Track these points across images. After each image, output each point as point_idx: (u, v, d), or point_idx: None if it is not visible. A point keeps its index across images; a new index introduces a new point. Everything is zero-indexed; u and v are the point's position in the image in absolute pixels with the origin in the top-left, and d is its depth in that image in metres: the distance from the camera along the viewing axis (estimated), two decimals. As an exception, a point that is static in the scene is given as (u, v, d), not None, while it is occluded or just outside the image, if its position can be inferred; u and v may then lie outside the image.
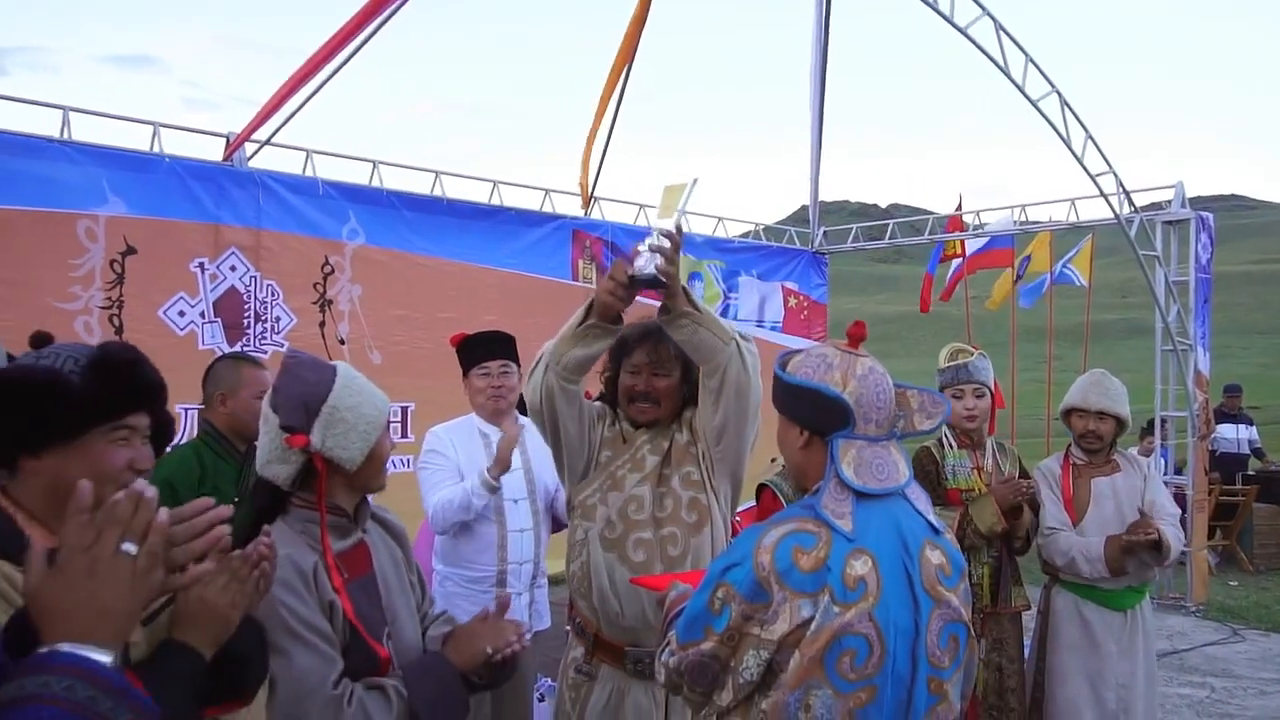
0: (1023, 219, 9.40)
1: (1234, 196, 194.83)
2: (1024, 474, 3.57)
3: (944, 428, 3.47)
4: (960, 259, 11.36)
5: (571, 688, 2.56)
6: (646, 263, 2.23)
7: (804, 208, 9.87)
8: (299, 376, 1.88)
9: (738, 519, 5.03)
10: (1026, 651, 3.70)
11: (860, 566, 1.62)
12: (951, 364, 3.52)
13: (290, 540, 1.79)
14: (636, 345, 2.54)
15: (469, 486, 3.20)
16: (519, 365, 3.46)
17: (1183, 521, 7.27)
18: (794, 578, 1.61)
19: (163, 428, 1.52)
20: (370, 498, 2.02)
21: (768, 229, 9.52)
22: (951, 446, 3.47)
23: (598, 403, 2.67)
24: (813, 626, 1.59)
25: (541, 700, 3.99)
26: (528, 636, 2.02)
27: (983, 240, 10.51)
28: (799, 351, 1.85)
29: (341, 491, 1.90)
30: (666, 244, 2.21)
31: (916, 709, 1.64)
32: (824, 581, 1.60)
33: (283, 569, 1.67)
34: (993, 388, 3.52)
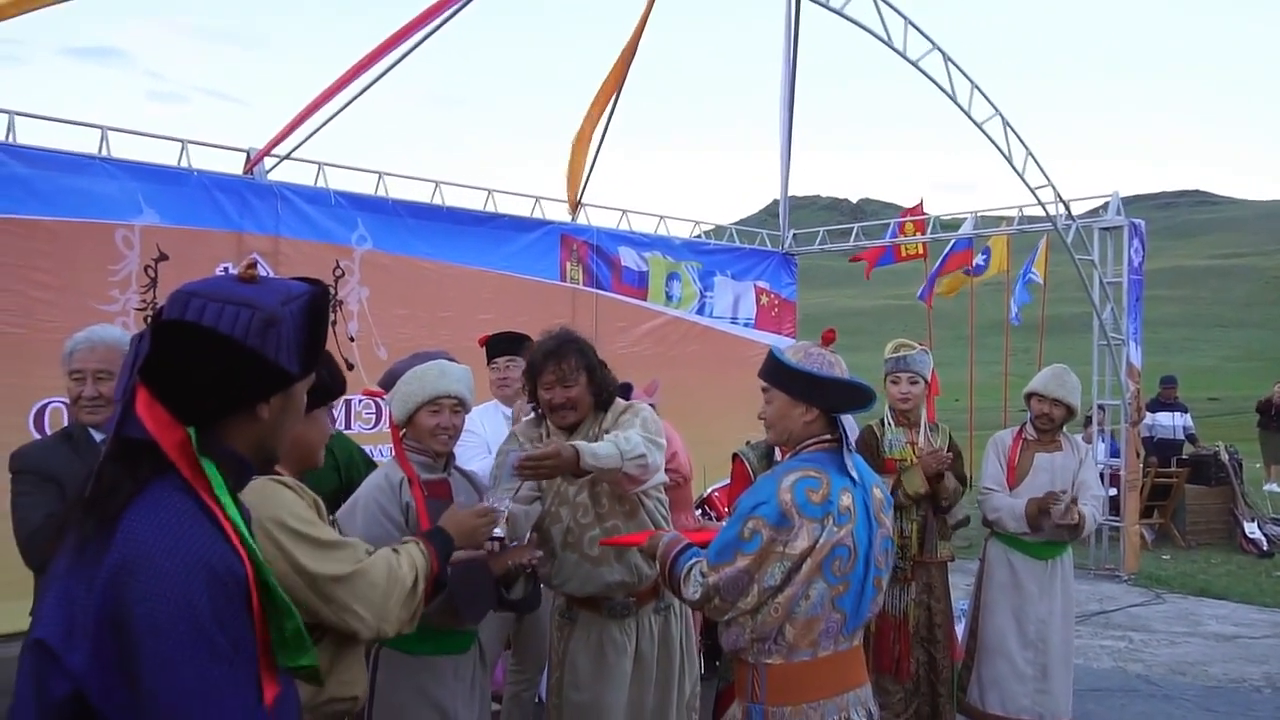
0: (976, 216, 10.16)
1: (1198, 192, 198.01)
2: (952, 448, 4.21)
3: (885, 409, 4.13)
4: (923, 260, 12.07)
5: (557, 629, 3.14)
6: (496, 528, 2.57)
7: (776, 202, 10.41)
8: (408, 361, 2.76)
9: (715, 493, 5.67)
10: (953, 597, 4.38)
11: (846, 499, 2.33)
12: (894, 355, 4.15)
13: (391, 466, 2.67)
14: (542, 366, 2.92)
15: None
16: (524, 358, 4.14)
17: (1116, 500, 8.10)
18: (809, 509, 2.29)
19: None
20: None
21: (740, 230, 10.16)
22: (890, 425, 4.12)
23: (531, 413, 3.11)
24: (820, 542, 2.28)
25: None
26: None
27: (950, 243, 11.24)
28: (791, 348, 2.50)
29: (414, 442, 2.72)
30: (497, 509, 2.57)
31: (866, 597, 2.39)
32: (828, 510, 2.29)
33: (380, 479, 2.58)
34: (929, 378, 4.16)
